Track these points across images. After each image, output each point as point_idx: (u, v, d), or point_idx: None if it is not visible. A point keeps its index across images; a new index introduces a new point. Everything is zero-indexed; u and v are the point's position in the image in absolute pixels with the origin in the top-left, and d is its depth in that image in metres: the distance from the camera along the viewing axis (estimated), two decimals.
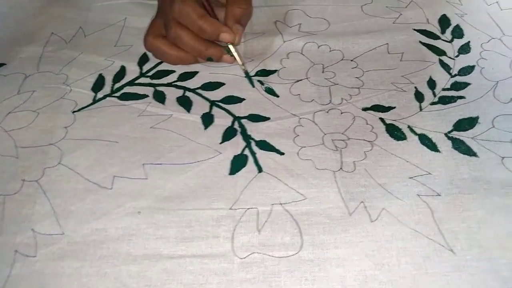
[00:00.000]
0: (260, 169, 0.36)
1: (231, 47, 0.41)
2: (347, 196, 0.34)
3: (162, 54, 0.43)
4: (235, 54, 0.41)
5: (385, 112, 0.40)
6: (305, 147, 0.38)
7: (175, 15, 0.39)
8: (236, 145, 0.38)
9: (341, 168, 0.36)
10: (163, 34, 0.42)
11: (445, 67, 0.44)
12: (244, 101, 0.42)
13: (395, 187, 0.35)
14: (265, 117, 0.40)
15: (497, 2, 0.51)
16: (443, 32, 0.48)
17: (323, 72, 0.44)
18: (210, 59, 0.43)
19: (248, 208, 0.34)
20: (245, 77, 0.42)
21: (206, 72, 0.44)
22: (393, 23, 0.49)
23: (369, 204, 0.34)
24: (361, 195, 0.34)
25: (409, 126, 0.39)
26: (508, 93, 0.41)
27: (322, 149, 0.37)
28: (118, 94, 0.42)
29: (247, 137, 0.38)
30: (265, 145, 0.38)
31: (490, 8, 0.50)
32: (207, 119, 0.40)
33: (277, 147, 0.38)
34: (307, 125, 0.39)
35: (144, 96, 0.42)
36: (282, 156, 0.37)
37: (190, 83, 0.43)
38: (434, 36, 0.47)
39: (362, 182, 0.35)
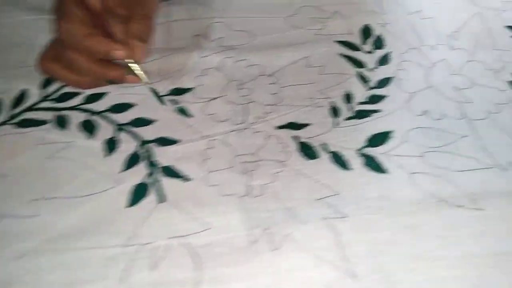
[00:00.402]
0: (162, 199, 0.34)
1: (132, 64, 0.39)
2: (252, 223, 0.33)
3: (61, 79, 0.41)
4: (137, 71, 0.39)
5: (299, 129, 0.39)
6: (213, 171, 0.36)
7: (62, 36, 0.37)
8: (139, 173, 0.36)
9: (248, 193, 0.35)
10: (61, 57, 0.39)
11: (363, 79, 0.43)
12: (154, 123, 0.40)
13: (302, 210, 0.34)
14: (174, 139, 0.38)
15: (418, 11, 0.51)
16: (364, 43, 0.47)
17: (239, 89, 0.43)
18: (112, 82, 0.41)
19: (144, 244, 0.32)
20: (171, 101, 0.40)
21: (115, 93, 0.42)
22: (316, 34, 0.48)
23: (273, 231, 0.33)
24: (266, 221, 0.33)
25: (322, 144, 0.38)
26: (423, 105, 0.41)
27: (231, 172, 0.36)
28: (15, 120, 0.39)
29: (152, 163, 0.36)
30: (171, 171, 0.36)
31: (412, 17, 0.50)
32: (110, 145, 0.38)
33: (184, 173, 0.36)
34: (219, 147, 0.38)
35: (45, 122, 0.39)
36: (188, 182, 0.35)
37: (97, 106, 0.41)
38: (355, 48, 0.47)
39: (269, 207, 0.34)
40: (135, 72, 0.39)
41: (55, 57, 0.39)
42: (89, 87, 0.41)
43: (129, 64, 0.38)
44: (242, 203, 0.34)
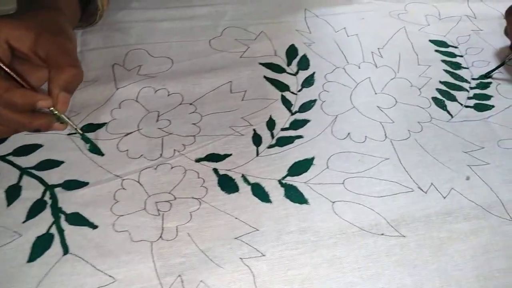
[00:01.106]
0: (66, 251, 0.32)
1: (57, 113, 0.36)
2: (163, 271, 0.31)
3: None
4: (63, 117, 0.36)
5: (220, 161, 0.37)
6: (123, 215, 0.34)
7: None
8: (43, 222, 0.33)
9: (160, 237, 0.32)
10: None
11: (287, 103, 0.42)
12: (62, 165, 0.37)
13: (218, 252, 0.32)
14: (83, 182, 0.36)
15: (344, 28, 0.50)
16: (289, 64, 0.46)
17: (157, 120, 0.41)
18: (38, 130, 0.37)
19: None
20: (82, 138, 0.38)
21: (21, 134, 0.39)
22: (240, 57, 0.47)
23: (186, 278, 0.30)
24: (179, 267, 0.31)
25: (243, 175, 0.36)
26: (346, 128, 0.40)
27: (143, 215, 0.34)
28: None
29: (57, 211, 0.34)
30: (76, 219, 0.33)
31: (337, 35, 0.50)
32: (13, 193, 0.35)
33: (90, 220, 0.33)
34: (131, 188, 0.35)
35: None
36: (94, 230, 0.33)
37: (0, 149, 0.38)
38: (280, 70, 0.45)
39: (183, 251, 0.32)
40: (61, 119, 0.36)
41: None
42: (4, 136, 0.38)
43: (54, 113, 0.35)
44: (154, 249, 0.32)
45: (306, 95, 0.43)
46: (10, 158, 0.37)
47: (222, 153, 0.38)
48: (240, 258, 0.31)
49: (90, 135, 0.39)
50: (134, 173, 0.36)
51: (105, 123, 0.40)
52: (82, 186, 0.35)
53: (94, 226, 0.33)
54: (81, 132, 0.37)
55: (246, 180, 0.36)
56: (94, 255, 0.31)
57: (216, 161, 0.37)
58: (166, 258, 0.31)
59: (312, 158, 0.37)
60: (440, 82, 0.44)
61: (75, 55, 0.37)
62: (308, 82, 0.44)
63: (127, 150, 0.38)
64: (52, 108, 0.35)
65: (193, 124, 0.40)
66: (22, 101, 0.34)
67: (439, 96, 0.43)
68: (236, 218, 0.34)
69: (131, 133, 0.39)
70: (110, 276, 0.30)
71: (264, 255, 0.32)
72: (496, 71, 0.45)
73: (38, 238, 0.32)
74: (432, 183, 0.36)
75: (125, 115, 0.41)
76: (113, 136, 0.39)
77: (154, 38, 0.48)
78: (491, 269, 0.31)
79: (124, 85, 0.43)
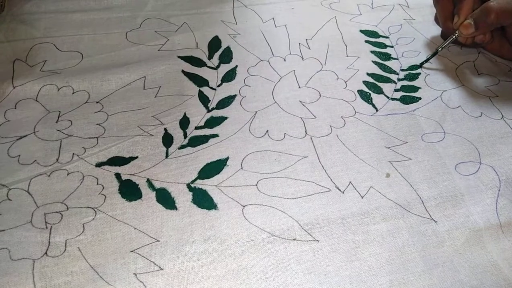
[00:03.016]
0: None
1: None
2: None
3: None
4: None
5: (124, 165, 0.34)
6: (4, 230, 0.30)
7: None
8: None
9: (45, 253, 0.29)
10: None
11: (204, 100, 0.39)
12: None
13: (110, 267, 0.28)
14: None
15: (272, 18, 0.48)
16: (210, 57, 0.43)
17: (57, 121, 0.37)
18: None
19: None
20: None
21: None
22: (158, 50, 0.43)
23: None
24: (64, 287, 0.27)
25: (148, 180, 0.33)
26: (265, 125, 0.37)
27: (28, 229, 0.30)
28: None
29: None
30: None
31: (265, 26, 0.47)
32: None
33: None
34: (18, 198, 0.31)
35: None
36: None
37: None
38: (200, 63, 0.42)
39: (69, 268, 0.28)
40: None
41: None
42: None
43: None
44: (36, 267, 0.28)
45: (226, 90, 0.40)
46: None
47: (127, 155, 0.35)
48: (134, 274, 0.28)
49: None
50: (24, 181, 0.32)
51: None
52: None
53: None
54: None
55: (151, 185, 0.33)
56: None
57: (120, 165, 0.34)
58: (49, 277, 0.28)
59: (226, 159, 0.35)
60: (368, 74, 0.42)
61: None
62: (230, 76, 0.41)
63: (18, 155, 0.34)
64: None
65: (97, 124, 0.37)
66: None
67: (365, 89, 0.41)
68: (135, 229, 0.30)
69: (25, 136, 0.35)
70: None
71: (162, 269, 0.28)
72: (428, 61, 0.43)
73: None
74: (350, 182, 0.33)
75: (21, 116, 0.37)
76: (4, 140, 0.35)
77: (64, 31, 0.44)
78: (407, 273, 0.29)
79: (22, 82, 0.39)
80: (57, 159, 0.34)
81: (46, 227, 0.30)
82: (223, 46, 0.44)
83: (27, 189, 0.32)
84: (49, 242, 0.29)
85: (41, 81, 0.39)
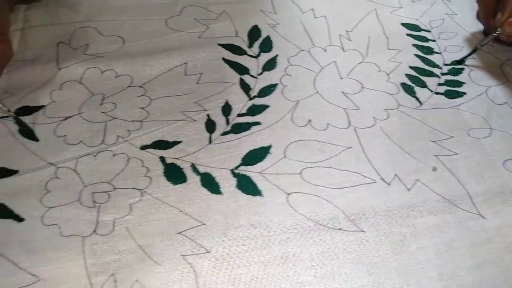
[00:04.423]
0: None
1: None
2: (94, 269, 0.27)
3: None
4: None
5: (168, 149, 0.34)
6: (54, 207, 0.30)
7: None
8: None
9: (94, 231, 0.29)
10: None
11: (245, 88, 0.39)
12: None
13: (158, 248, 0.29)
14: (12, 170, 0.32)
15: (312, 9, 0.47)
16: (250, 45, 0.43)
17: (101, 104, 0.37)
18: None
19: None
20: (16, 123, 0.34)
21: None
22: (198, 38, 0.43)
23: (120, 277, 0.27)
24: (113, 266, 0.28)
25: (192, 164, 0.33)
26: (307, 114, 0.37)
27: (76, 207, 0.30)
28: None
29: None
30: (0, 211, 0.30)
31: (304, 16, 0.46)
32: None
33: (16, 212, 0.30)
34: (65, 177, 0.32)
35: None
36: (20, 223, 0.29)
37: None
38: (240, 51, 0.42)
39: (118, 247, 0.28)
40: None
41: None
42: None
43: None
44: (85, 245, 0.28)
45: (267, 79, 0.40)
46: None
47: (171, 140, 0.35)
48: (182, 255, 0.28)
49: (25, 118, 0.35)
50: (71, 161, 0.33)
51: (42, 106, 0.36)
52: (10, 175, 0.32)
53: (20, 219, 0.29)
54: (12, 114, 0.33)
55: (195, 170, 0.33)
56: (17, 251, 0.28)
57: (164, 149, 0.34)
58: (99, 255, 0.28)
59: (269, 147, 0.34)
60: (410, 67, 0.42)
61: (4, 29, 0.34)
62: (270, 65, 0.41)
63: (65, 135, 0.34)
64: None
65: (140, 108, 0.37)
66: None
67: (408, 82, 0.40)
68: (180, 211, 0.31)
69: (71, 116, 0.36)
70: (33, 275, 0.27)
71: (208, 252, 0.29)
72: (469, 57, 0.42)
73: None
74: (396, 174, 0.33)
75: (66, 98, 0.37)
76: (50, 120, 0.35)
77: (105, 16, 0.44)
78: (456, 267, 0.28)
79: (67, 65, 0.39)
80: (103, 141, 0.34)
81: (94, 206, 0.30)
82: (263, 35, 0.44)
83: (74, 168, 0.32)
84: (97, 220, 0.30)
85: (84, 64, 0.39)
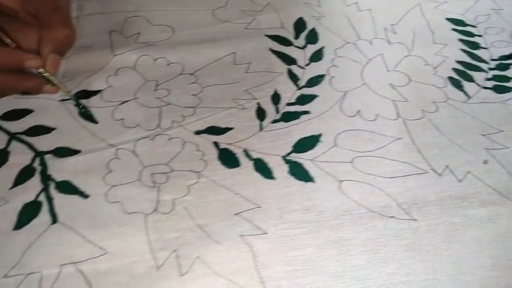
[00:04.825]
0: (54, 219, 0.29)
1: (47, 74, 0.34)
2: (157, 245, 0.29)
3: None
4: (53, 80, 0.34)
5: (220, 134, 0.35)
6: (116, 186, 0.31)
7: None
8: (31, 189, 0.31)
9: (156, 210, 0.30)
10: None
11: (293, 78, 0.40)
12: (53, 131, 0.35)
13: (217, 227, 0.30)
14: (75, 150, 0.33)
15: (356, 3, 0.48)
16: (297, 37, 0.44)
17: (155, 90, 0.38)
18: (27, 93, 0.35)
19: (29, 274, 0.27)
20: (76, 105, 0.36)
21: (11, 97, 0.36)
22: (245, 28, 0.44)
23: (182, 253, 0.28)
24: (175, 242, 0.29)
25: (245, 150, 0.34)
26: (356, 105, 0.38)
27: (138, 186, 0.31)
28: None
29: (46, 178, 0.31)
30: (67, 187, 0.31)
31: (349, 9, 0.47)
32: (1, 158, 0.32)
33: (81, 189, 0.31)
34: (125, 157, 0.33)
35: None
36: (85, 199, 0.31)
37: None
38: (287, 42, 0.43)
39: (179, 225, 0.30)
40: (52, 81, 0.34)
41: None
42: None
43: (44, 74, 0.33)
44: (148, 222, 0.30)
45: (314, 69, 0.40)
46: None
47: (223, 126, 0.36)
48: (240, 235, 0.29)
49: (83, 102, 0.37)
50: (129, 143, 0.34)
51: (100, 90, 0.38)
52: (73, 154, 0.33)
53: (85, 196, 0.31)
54: (73, 97, 0.35)
55: (248, 155, 0.34)
56: (84, 225, 0.29)
57: (217, 134, 0.35)
58: (161, 232, 0.29)
59: (319, 135, 0.35)
60: (457, 61, 0.42)
61: (68, 13, 0.35)
62: (317, 56, 0.42)
63: (122, 118, 0.36)
64: (41, 70, 0.33)
65: (193, 95, 0.38)
66: (7, 60, 0.32)
67: (456, 76, 0.40)
68: (236, 194, 0.32)
69: (127, 101, 0.37)
70: (100, 248, 0.28)
71: (265, 233, 0.30)
72: None
73: (26, 205, 0.30)
74: (447, 166, 0.33)
75: (122, 83, 0.38)
76: (108, 104, 0.37)
77: (154, 6, 0.46)
78: (509, 258, 0.29)
79: (121, 52, 0.41)
80: (158, 125, 0.35)
81: (154, 186, 0.31)
82: (309, 27, 0.45)
83: (133, 150, 0.34)
84: (158, 199, 0.31)
85: (138, 52, 0.41)
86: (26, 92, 0.35)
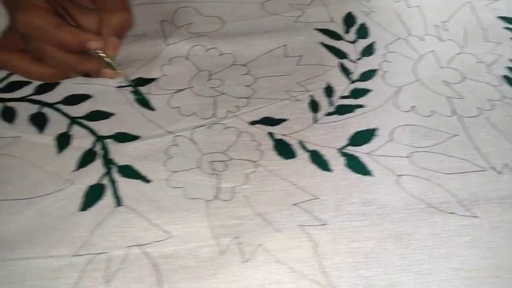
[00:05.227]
0: (119, 202, 0.30)
1: (107, 58, 0.34)
2: (219, 231, 0.29)
3: (21, 72, 0.36)
4: (113, 64, 0.35)
5: (275, 125, 0.35)
6: (177, 172, 0.32)
7: (23, 29, 0.32)
8: (94, 172, 0.32)
9: (216, 197, 0.31)
10: (19, 47, 0.34)
11: (345, 71, 0.40)
12: (112, 117, 0.35)
13: (276, 216, 0.30)
14: (134, 135, 0.34)
15: None
16: (347, 31, 0.43)
17: (209, 80, 0.38)
18: (87, 75, 0.36)
19: (97, 254, 0.28)
20: (133, 92, 0.36)
21: (69, 83, 0.37)
22: (295, 22, 0.44)
23: (244, 240, 0.29)
24: (236, 229, 0.29)
25: (300, 142, 0.34)
26: (410, 101, 0.37)
27: (197, 173, 0.32)
28: None
29: (108, 162, 0.32)
30: (129, 172, 0.32)
31: (397, 5, 0.47)
32: (63, 141, 0.33)
33: (143, 173, 0.32)
34: (184, 145, 0.34)
35: None
36: (148, 184, 0.31)
37: (49, 97, 0.36)
38: (337, 37, 0.43)
39: (239, 213, 0.30)
40: (111, 65, 0.35)
41: (13, 48, 0.34)
42: (53, 80, 0.36)
43: (104, 57, 0.34)
44: (209, 208, 0.30)
45: (366, 64, 0.40)
46: (59, 106, 0.36)
47: (277, 117, 0.36)
48: (300, 225, 0.29)
49: (138, 89, 0.37)
50: (187, 131, 0.34)
51: (155, 78, 0.38)
52: (133, 140, 0.34)
53: (147, 180, 0.31)
54: (131, 83, 0.35)
55: (303, 147, 0.34)
56: (148, 209, 0.30)
57: (271, 125, 0.35)
58: (223, 218, 0.30)
59: (375, 129, 0.35)
60: (511, 60, 0.41)
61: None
62: (368, 51, 0.42)
63: (178, 107, 0.36)
64: (101, 54, 0.34)
65: (246, 86, 0.38)
66: (72, 40, 0.33)
67: (511, 75, 0.40)
68: (293, 184, 0.32)
69: (182, 90, 0.38)
70: (165, 231, 0.29)
71: (325, 224, 0.30)
72: None
73: (90, 187, 0.31)
74: (506, 164, 0.33)
75: (176, 72, 0.39)
76: (163, 92, 0.37)
77: None
78: None
79: (174, 41, 0.41)
80: (213, 114, 0.36)
81: (214, 173, 0.32)
82: (358, 22, 0.45)
83: (191, 138, 0.34)
84: (218, 187, 0.31)
85: (190, 42, 0.41)
86: (86, 74, 0.36)
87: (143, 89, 0.37)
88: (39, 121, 0.34)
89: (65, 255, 0.27)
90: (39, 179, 0.31)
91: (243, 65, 0.40)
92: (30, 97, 0.36)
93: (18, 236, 0.28)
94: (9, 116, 0.35)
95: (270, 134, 0.35)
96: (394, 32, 0.44)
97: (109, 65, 0.35)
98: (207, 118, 0.35)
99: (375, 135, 0.35)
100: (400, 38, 0.43)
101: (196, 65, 0.40)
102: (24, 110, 0.35)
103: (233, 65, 0.40)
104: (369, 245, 0.29)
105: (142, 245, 0.28)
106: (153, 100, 0.36)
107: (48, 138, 0.33)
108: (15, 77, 0.37)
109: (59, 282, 0.26)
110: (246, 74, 0.39)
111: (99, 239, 0.28)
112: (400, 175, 0.32)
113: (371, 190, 0.31)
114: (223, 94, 0.37)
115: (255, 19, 0.44)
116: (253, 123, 0.35)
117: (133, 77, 0.38)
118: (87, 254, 0.28)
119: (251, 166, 0.33)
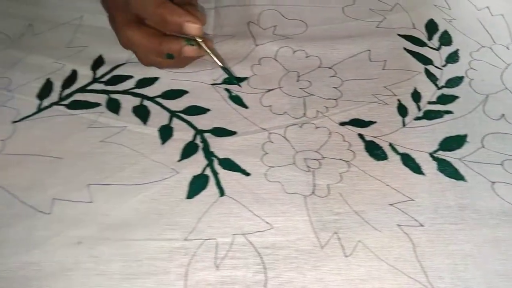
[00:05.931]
0: (222, 193, 0.32)
1: (201, 42, 0.36)
2: (318, 226, 0.30)
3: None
4: (205, 47, 0.37)
5: (364, 127, 0.36)
6: (274, 167, 0.33)
7: (133, 9, 0.35)
8: (197, 163, 0.33)
9: (313, 193, 0.32)
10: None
11: (432, 77, 0.40)
12: (208, 112, 0.37)
13: (373, 215, 0.31)
14: (231, 131, 0.36)
15: (487, 7, 0.47)
16: (430, 38, 0.44)
17: (297, 80, 0.40)
18: (170, 56, 0.37)
19: (206, 239, 0.29)
20: (227, 79, 0.38)
21: (167, 79, 0.39)
22: (376, 27, 0.45)
23: (343, 236, 0.30)
24: (334, 225, 0.30)
25: (390, 144, 0.35)
26: (499, 109, 0.37)
27: (293, 169, 0.33)
28: (66, 102, 0.37)
29: (209, 154, 0.34)
30: (229, 164, 0.33)
31: (480, 14, 0.47)
32: (166, 133, 0.35)
33: (242, 167, 0.33)
34: (278, 142, 0.35)
35: (96, 104, 0.37)
36: (247, 177, 0.33)
37: (149, 91, 0.38)
38: (420, 43, 0.43)
39: (336, 209, 0.31)
40: (192, 43, 0.36)
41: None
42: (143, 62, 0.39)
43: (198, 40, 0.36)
44: (307, 203, 0.31)
45: (452, 71, 0.41)
46: (159, 100, 0.38)
47: (366, 119, 0.37)
48: (398, 225, 0.30)
49: (231, 87, 0.39)
50: (280, 128, 0.36)
51: (246, 77, 0.40)
52: (231, 135, 0.35)
53: (247, 173, 0.33)
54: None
55: (394, 149, 0.35)
56: (250, 200, 0.31)
57: (361, 127, 0.36)
58: (321, 213, 0.31)
59: (465, 135, 0.35)
60: None
61: None
62: (453, 58, 0.42)
63: (270, 105, 0.38)
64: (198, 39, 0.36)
65: (334, 87, 0.39)
66: (171, 18, 0.34)
67: None
68: (387, 185, 0.33)
69: (272, 89, 0.39)
70: (267, 222, 0.30)
71: (422, 225, 0.30)
72: None
73: (195, 177, 0.32)
74: None
75: (266, 72, 0.41)
76: (255, 91, 0.39)
77: (284, 1, 0.47)
78: None
79: (263, 42, 0.43)
80: (304, 114, 0.37)
81: (309, 170, 0.33)
82: (441, 29, 0.45)
83: (284, 135, 0.35)
84: (314, 183, 0.32)
85: (278, 43, 0.43)
86: (169, 56, 0.37)
87: (234, 88, 0.39)
88: (142, 113, 0.37)
89: (177, 238, 0.29)
90: (147, 167, 0.33)
91: (329, 68, 0.41)
92: (131, 90, 0.38)
93: (133, 218, 0.30)
94: (114, 107, 0.37)
95: (360, 136, 0.36)
96: (478, 40, 0.44)
97: (193, 44, 0.36)
98: (299, 118, 0.37)
99: (466, 142, 0.35)
100: (484, 47, 0.43)
101: (284, 66, 0.41)
102: (127, 102, 0.38)
103: (320, 67, 0.41)
104: (467, 248, 0.29)
105: (246, 234, 0.30)
106: (245, 98, 0.38)
107: (152, 129, 0.36)
108: (118, 71, 0.40)
109: (173, 264, 0.28)
110: (333, 76, 0.40)
111: (206, 226, 0.30)
112: (494, 182, 0.32)
113: (465, 195, 0.32)
114: (312, 95, 0.39)
115: (338, 24, 0.45)
116: (343, 124, 0.36)
117: (225, 76, 0.40)
118: (197, 239, 0.29)
119: (345, 165, 0.34)
